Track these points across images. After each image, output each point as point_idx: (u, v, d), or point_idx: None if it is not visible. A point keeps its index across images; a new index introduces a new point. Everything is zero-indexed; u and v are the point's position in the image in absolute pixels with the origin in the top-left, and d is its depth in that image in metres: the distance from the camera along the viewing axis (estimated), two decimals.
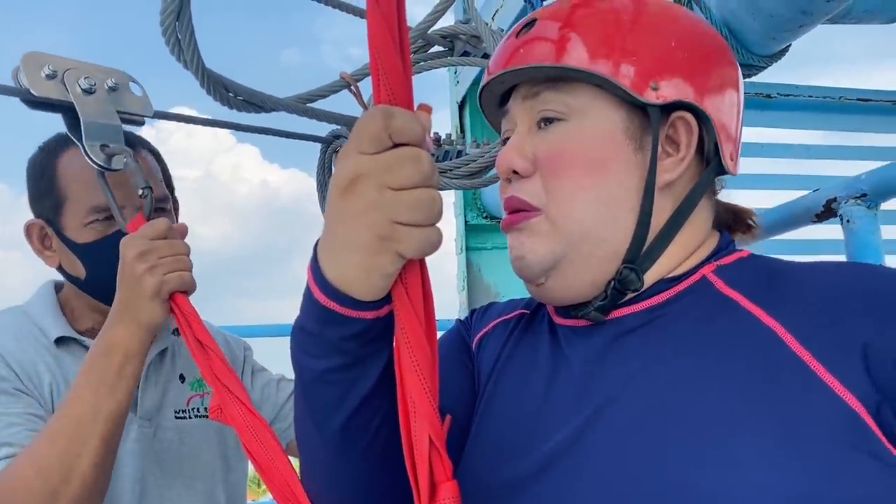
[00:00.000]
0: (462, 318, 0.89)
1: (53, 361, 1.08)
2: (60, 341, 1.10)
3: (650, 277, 0.69)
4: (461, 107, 2.77)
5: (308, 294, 0.58)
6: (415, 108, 0.55)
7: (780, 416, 0.56)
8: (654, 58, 0.68)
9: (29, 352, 1.07)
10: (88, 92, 0.98)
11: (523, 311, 0.83)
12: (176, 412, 1.18)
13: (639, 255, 0.69)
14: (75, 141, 0.98)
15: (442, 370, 0.78)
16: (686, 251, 0.71)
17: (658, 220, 0.69)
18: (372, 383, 0.61)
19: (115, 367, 0.93)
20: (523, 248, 0.70)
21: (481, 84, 0.76)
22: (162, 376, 1.19)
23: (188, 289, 0.96)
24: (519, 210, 0.71)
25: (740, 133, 0.75)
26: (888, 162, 0.97)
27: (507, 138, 0.75)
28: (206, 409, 1.22)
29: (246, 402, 0.74)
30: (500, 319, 0.83)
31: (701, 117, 0.70)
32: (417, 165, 0.51)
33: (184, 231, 1.02)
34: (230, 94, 0.77)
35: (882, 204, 0.97)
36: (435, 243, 0.54)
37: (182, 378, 1.21)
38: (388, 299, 0.57)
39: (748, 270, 0.69)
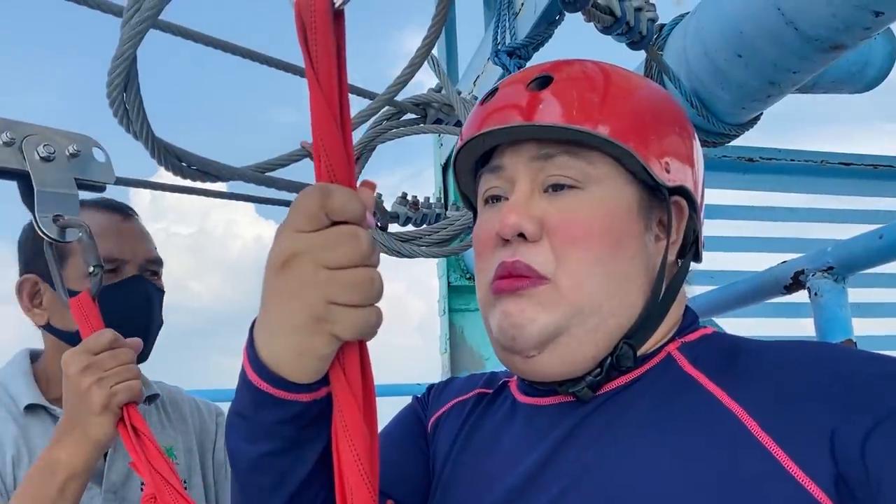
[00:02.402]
0: (419, 395, 0.86)
1: (19, 431, 1.06)
2: (30, 409, 1.08)
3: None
4: (444, 169, 2.79)
5: (243, 376, 0.56)
6: (358, 184, 0.55)
7: None
8: (667, 139, 0.69)
9: None
10: (47, 160, 0.95)
11: (482, 390, 0.80)
12: (142, 484, 1.12)
13: (636, 332, 0.67)
14: (28, 209, 0.96)
15: (395, 454, 0.76)
16: (662, 331, 0.69)
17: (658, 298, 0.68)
18: (308, 469, 0.59)
19: (57, 486, 0.90)
20: (523, 316, 0.65)
21: (474, 130, 0.70)
22: None
23: (137, 399, 0.93)
24: (520, 276, 0.66)
25: None
26: (869, 226, 0.97)
27: (493, 196, 0.71)
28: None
29: (181, 490, 0.73)
30: (457, 400, 0.80)
31: (691, 205, 0.70)
32: (355, 244, 0.49)
33: (137, 346, 0.99)
34: (183, 164, 0.76)
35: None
36: (373, 324, 0.51)
37: None
38: (326, 381, 0.54)
39: (711, 349, 0.67)
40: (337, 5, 0.53)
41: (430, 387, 0.85)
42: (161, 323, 1.18)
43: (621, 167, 0.67)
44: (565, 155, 0.67)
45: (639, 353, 0.67)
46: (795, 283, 0.97)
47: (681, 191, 0.69)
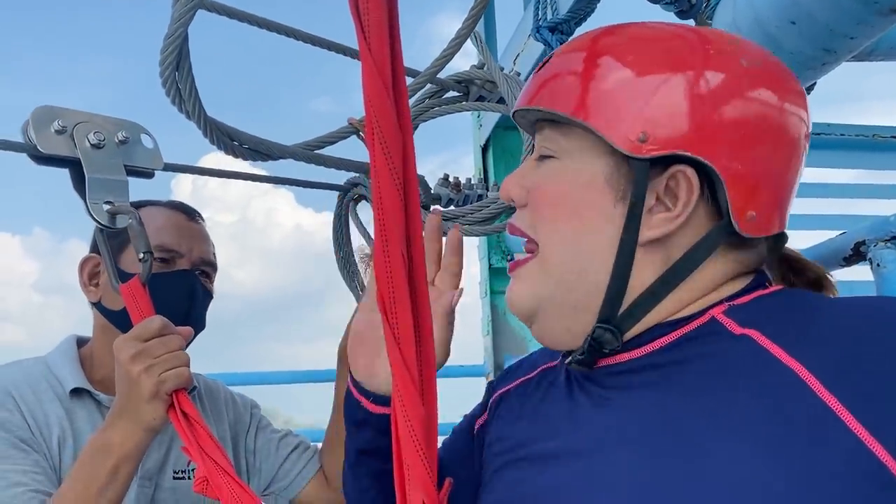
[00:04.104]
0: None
1: (65, 414, 1.10)
2: (75, 392, 1.12)
3: (647, 324, 0.65)
4: (484, 150, 2.77)
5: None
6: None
7: (800, 471, 0.52)
8: (647, 103, 0.62)
9: (43, 402, 1.09)
10: (97, 147, 0.96)
11: (547, 365, 0.79)
12: (175, 472, 1.17)
13: (615, 313, 0.64)
14: (79, 196, 0.97)
15: (457, 438, 0.82)
16: (690, 298, 0.65)
17: (643, 277, 0.64)
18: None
19: (109, 468, 0.92)
20: (511, 293, 0.70)
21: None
22: (167, 436, 1.18)
23: (186, 385, 0.95)
24: (518, 234, 0.71)
25: (784, 186, 0.66)
26: None
27: None
28: None
29: (232, 473, 0.74)
30: (522, 379, 0.80)
31: (710, 171, 0.63)
32: None
33: (187, 334, 1.01)
34: (235, 143, 0.76)
35: None
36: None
37: None
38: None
39: (768, 307, 0.63)
40: None
41: (509, 368, 0.85)
42: (203, 324, 1.20)
43: (598, 139, 0.65)
44: (549, 128, 0.70)
45: (672, 318, 0.64)
46: (856, 254, 0.93)
47: (685, 159, 0.63)
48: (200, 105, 0.68)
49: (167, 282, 1.12)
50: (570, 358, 0.68)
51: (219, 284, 1.25)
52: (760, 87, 0.64)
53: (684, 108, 0.62)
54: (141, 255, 0.97)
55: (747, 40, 0.71)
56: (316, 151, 0.92)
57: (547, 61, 0.71)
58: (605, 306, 0.64)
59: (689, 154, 0.62)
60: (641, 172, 0.63)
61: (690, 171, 0.63)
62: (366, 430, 0.72)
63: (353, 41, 1.06)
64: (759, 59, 0.66)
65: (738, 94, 0.64)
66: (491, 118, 2.67)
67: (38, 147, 0.93)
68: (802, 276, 0.72)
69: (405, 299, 0.53)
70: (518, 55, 2.21)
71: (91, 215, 0.97)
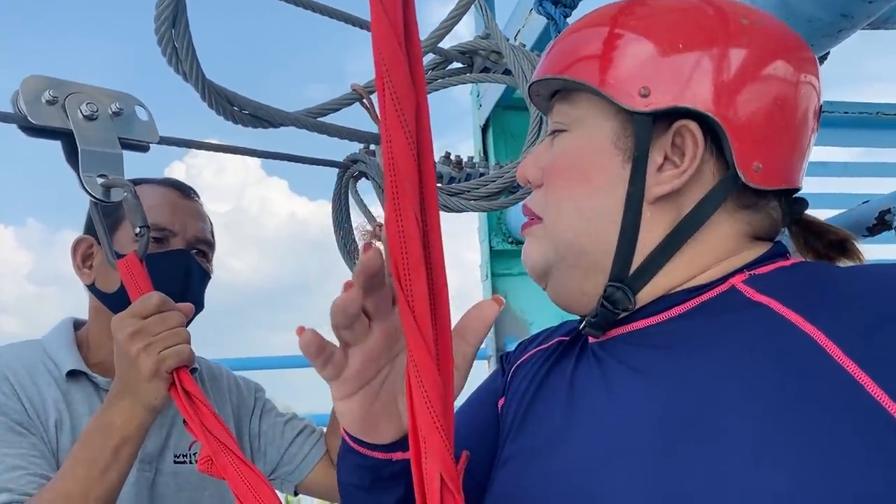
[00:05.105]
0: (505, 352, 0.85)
1: (61, 397, 1.07)
2: (71, 375, 1.09)
3: (661, 287, 0.65)
4: (484, 130, 2.73)
5: None
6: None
7: (818, 437, 0.50)
8: (649, 60, 0.64)
9: (40, 384, 1.07)
10: (90, 118, 0.92)
11: (562, 338, 0.78)
12: (176, 456, 1.15)
13: (627, 272, 0.65)
14: (72, 169, 0.94)
15: (471, 411, 0.79)
16: (702, 263, 0.65)
17: (653, 235, 0.64)
18: None
19: (111, 448, 0.90)
20: (525, 253, 0.72)
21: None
22: (168, 419, 1.16)
23: (188, 363, 0.91)
24: (529, 216, 0.72)
25: (791, 138, 0.65)
26: None
27: None
28: None
29: (238, 452, 0.70)
30: (539, 348, 0.79)
31: (713, 124, 0.63)
32: None
33: (188, 311, 0.97)
34: (234, 108, 0.72)
35: None
36: None
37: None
38: (402, 446, 0.60)
39: (788, 277, 0.62)
40: None
41: (525, 340, 0.84)
42: (201, 305, 1.16)
43: (604, 102, 0.66)
44: (558, 102, 0.71)
45: (689, 284, 0.64)
46: (880, 223, 0.91)
47: (689, 112, 0.63)
48: (198, 65, 0.64)
49: (161, 262, 1.08)
50: (584, 322, 0.68)
51: (215, 273, 1.21)
52: (757, 40, 0.65)
53: (683, 64, 0.63)
54: (137, 230, 0.93)
55: (748, 4, 0.71)
56: (319, 119, 0.89)
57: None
58: (616, 265, 0.65)
59: (689, 107, 0.63)
60: (643, 127, 0.64)
61: (693, 125, 0.64)
62: (366, 472, 0.64)
63: (357, 10, 1.02)
64: (758, 17, 0.67)
65: (735, 48, 0.64)
66: (491, 98, 2.63)
67: (29, 118, 0.89)
68: (824, 238, 0.71)
69: (420, 265, 0.50)
70: (519, 30, 2.17)
71: (84, 188, 0.93)
